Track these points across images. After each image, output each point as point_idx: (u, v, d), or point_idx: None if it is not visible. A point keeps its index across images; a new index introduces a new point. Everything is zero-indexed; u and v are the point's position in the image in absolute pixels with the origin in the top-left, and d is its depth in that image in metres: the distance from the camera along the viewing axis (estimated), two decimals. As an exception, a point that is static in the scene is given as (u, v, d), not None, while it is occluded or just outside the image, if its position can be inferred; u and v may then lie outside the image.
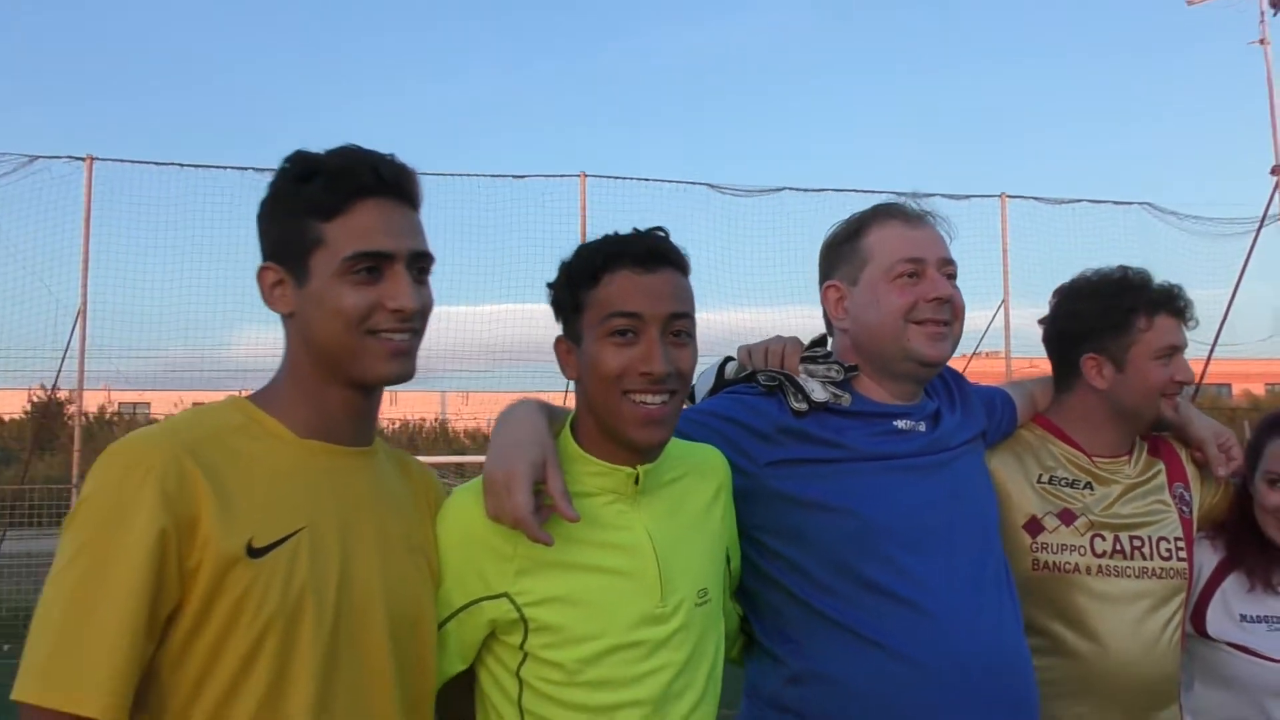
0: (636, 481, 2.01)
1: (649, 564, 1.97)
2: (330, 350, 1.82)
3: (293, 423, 1.84)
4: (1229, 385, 37.67)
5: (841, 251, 2.41)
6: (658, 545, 1.99)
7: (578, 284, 2.00)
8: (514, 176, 15.82)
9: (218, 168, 15.27)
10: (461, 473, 18.03)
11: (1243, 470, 2.65)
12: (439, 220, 15.24)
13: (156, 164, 15.05)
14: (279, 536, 1.72)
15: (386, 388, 1.92)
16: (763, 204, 18.24)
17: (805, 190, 18.51)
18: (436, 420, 37.68)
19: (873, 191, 18.29)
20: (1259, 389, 35.12)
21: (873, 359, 2.35)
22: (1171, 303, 2.54)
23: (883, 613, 2.16)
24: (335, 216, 1.80)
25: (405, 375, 1.85)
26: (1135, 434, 2.64)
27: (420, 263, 1.87)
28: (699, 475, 2.15)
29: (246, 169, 15.39)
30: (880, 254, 2.33)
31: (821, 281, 2.46)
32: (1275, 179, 18.84)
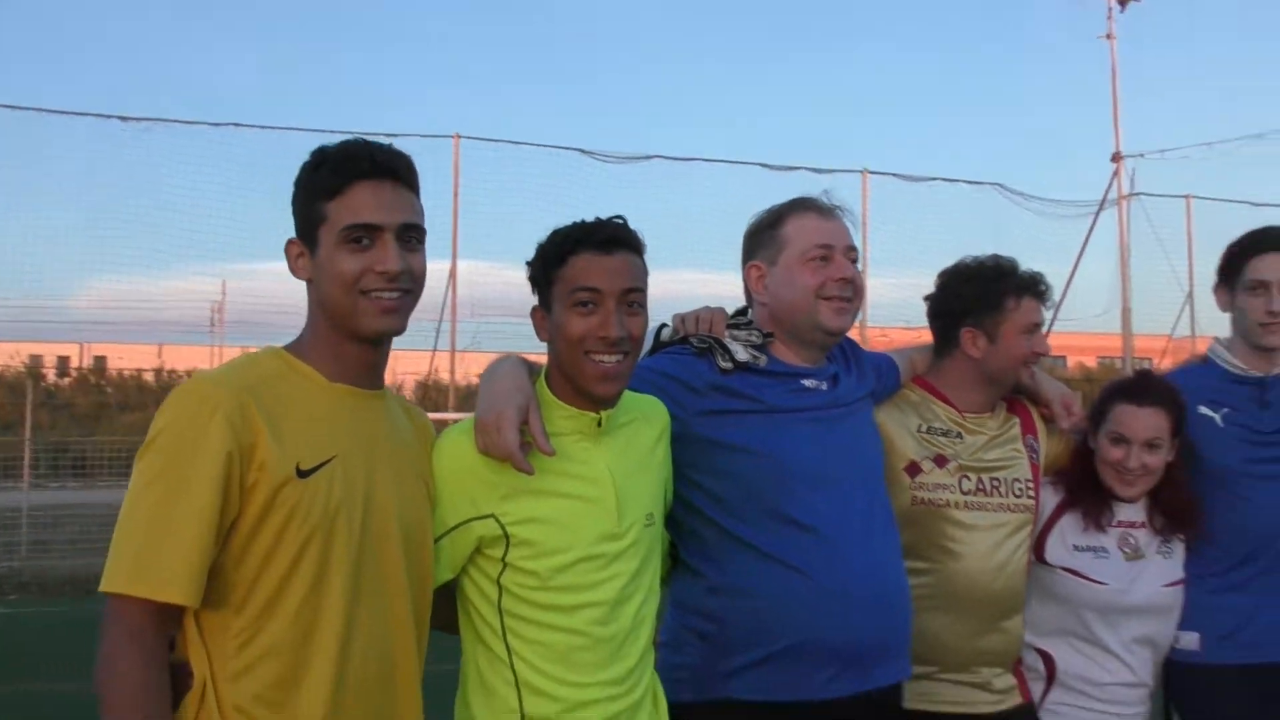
0: (599, 424, 2.38)
1: (608, 492, 2.35)
2: (335, 309, 2.14)
3: (323, 369, 2.15)
4: (1064, 357, 39.76)
5: (762, 237, 2.81)
6: (615, 476, 2.36)
7: (549, 263, 2.36)
8: (388, 135, 15.78)
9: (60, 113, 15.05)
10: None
11: (1082, 425, 3.16)
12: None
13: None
14: (319, 462, 2.03)
15: (380, 340, 2.24)
16: (633, 170, 18.70)
17: (675, 159, 19.08)
18: None
19: (739, 162, 18.96)
20: (1092, 361, 36.84)
21: (787, 328, 2.76)
22: (1035, 286, 3.01)
23: (788, 538, 2.57)
24: (336, 196, 2.11)
25: (396, 330, 2.17)
26: (999, 395, 3.12)
27: (411, 233, 2.16)
28: (645, 420, 2.52)
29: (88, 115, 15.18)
30: (796, 240, 2.73)
31: (744, 262, 2.83)
32: (1115, 166, 20.09)
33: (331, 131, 15.39)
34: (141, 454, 1.98)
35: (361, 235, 2.11)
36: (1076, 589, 3.06)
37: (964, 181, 19.75)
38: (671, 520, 2.66)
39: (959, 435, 2.97)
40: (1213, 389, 3.23)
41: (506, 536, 2.27)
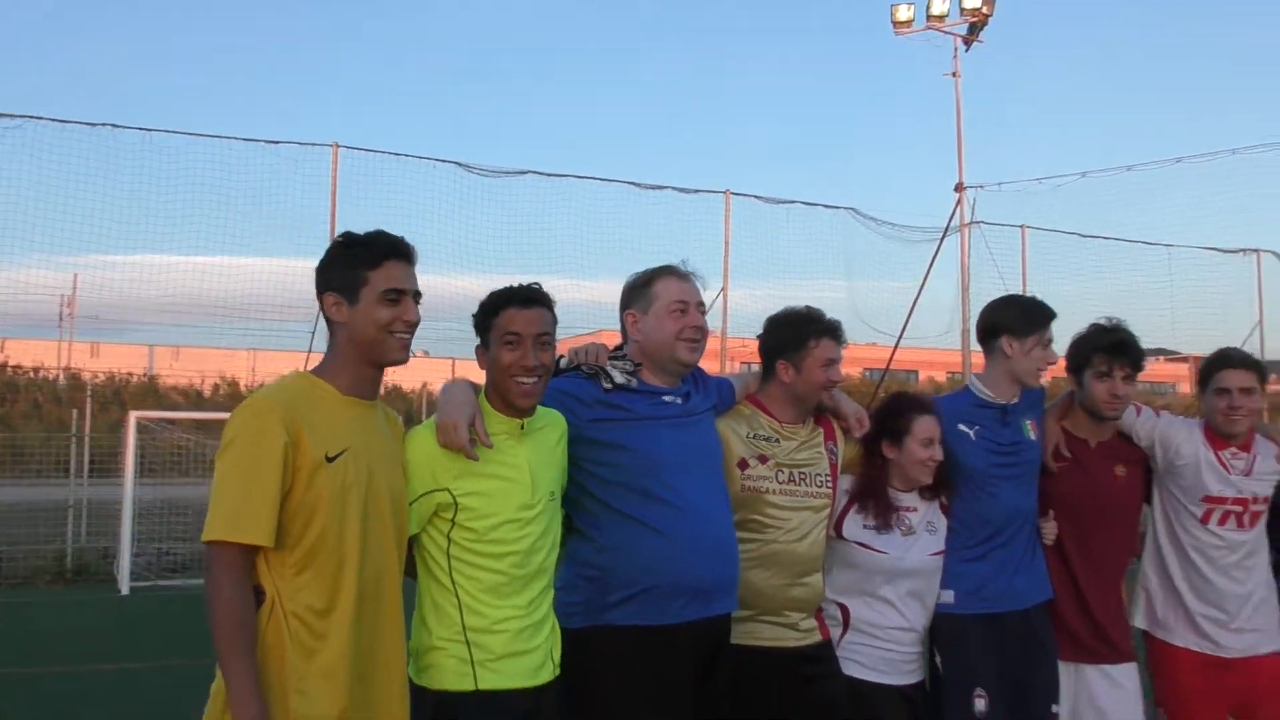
0: (522, 428, 3.33)
1: (525, 475, 3.27)
2: (368, 343, 3.01)
3: (339, 386, 3.02)
4: (916, 372, 41.70)
5: (637, 292, 3.77)
6: (530, 465, 3.29)
7: (486, 314, 3.33)
8: (267, 142, 15.69)
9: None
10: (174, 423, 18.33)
11: (868, 435, 4.18)
12: (187, 178, 15.38)
13: None
14: (338, 451, 2.89)
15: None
16: (508, 184, 19.64)
17: (547, 175, 20.08)
18: (145, 375, 36.69)
19: (609, 180, 20.01)
20: (941, 376, 38.75)
21: (653, 360, 3.72)
22: (833, 330, 4.03)
23: (653, 509, 3.51)
24: (376, 268, 3.00)
25: (406, 359, 3.06)
26: (807, 411, 4.12)
27: (418, 296, 3.08)
28: (552, 426, 3.46)
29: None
30: (662, 296, 3.70)
31: (622, 310, 3.80)
32: (958, 195, 21.72)
33: (212, 135, 15.79)
34: (223, 451, 2.84)
35: (395, 296, 3.01)
36: (866, 557, 4.09)
37: (821, 205, 21.13)
38: (568, 499, 3.60)
39: (777, 440, 3.97)
40: (968, 411, 4.28)
41: (456, 504, 3.18)
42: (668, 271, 3.77)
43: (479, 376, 3.42)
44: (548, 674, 3.24)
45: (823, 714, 3.80)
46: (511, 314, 3.28)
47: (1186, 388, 49.45)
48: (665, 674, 3.44)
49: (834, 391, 4.06)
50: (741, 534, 3.77)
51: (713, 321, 21.85)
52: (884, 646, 4.07)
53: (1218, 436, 4.28)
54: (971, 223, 21.37)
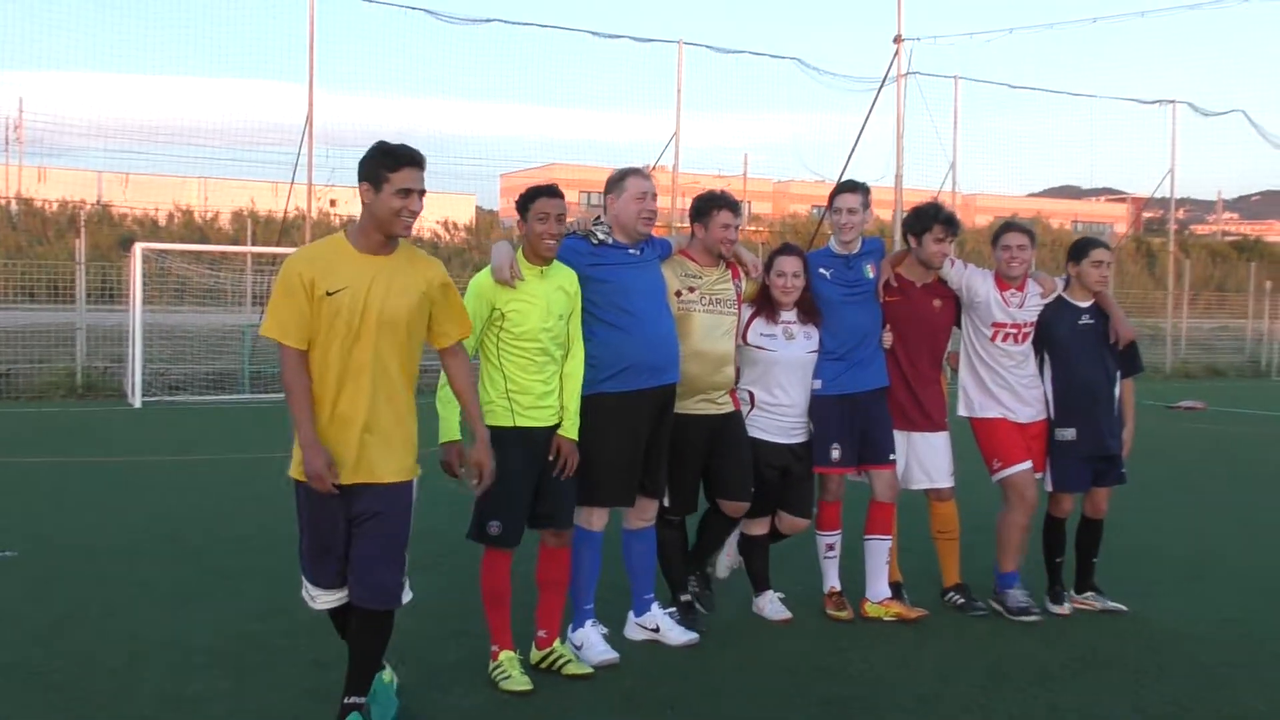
0: (543, 273, 4.90)
1: (543, 302, 4.79)
2: (382, 221, 3.98)
3: (356, 245, 4.02)
4: (857, 209, 43.27)
5: (615, 184, 5.24)
6: (546, 296, 4.82)
7: (523, 203, 4.87)
8: None
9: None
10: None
11: (761, 273, 5.94)
12: None
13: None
14: (337, 289, 3.90)
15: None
16: (474, 31, 20.94)
17: (512, 23, 21.35)
18: (96, 203, 37.14)
19: (569, 29, 21.28)
20: (886, 215, 40.46)
21: (623, 227, 5.28)
22: (731, 205, 5.57)
23: (625, 319, 5.10)
24: (396, 170, 3.95)
25: (409, 234, 4.05)
26: (717, 258, 5.68)
27: (422, 194, 4.03)
28: (563, 275, 5.01)
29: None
30: (631, 189, 5.20)
31: (605, 195, 5.31)
32: (896, 47, 23.14)
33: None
34: (277, 282, 4.02)
35: (405, 193, 3.98)
36: (764, 356, 5.88)
37: (767, 55, 22.54)
38: (582, 317, 5.28)
39: (699, 278, 5.67)
40: (825, 260, 6.04)
41: (503, 316, 4.85)
42: (634, 172, 5.39)
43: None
44: (556, 419, 5.04)
45: (731, 447, 5.67)
46: (543, 201, 4.84)
47: (1124, 228, 51.66)
48: (634, 420, 5.17)
49: (737, 247, 5.79)
50: (680, 336, 5.56)
51: (665, 160, 23.62)
52: (777, 417, 5.91)
53: (1003, 280, 6.11)
54: (908, 73, 22.89)
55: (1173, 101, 28.43)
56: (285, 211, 22.38)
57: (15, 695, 4.58)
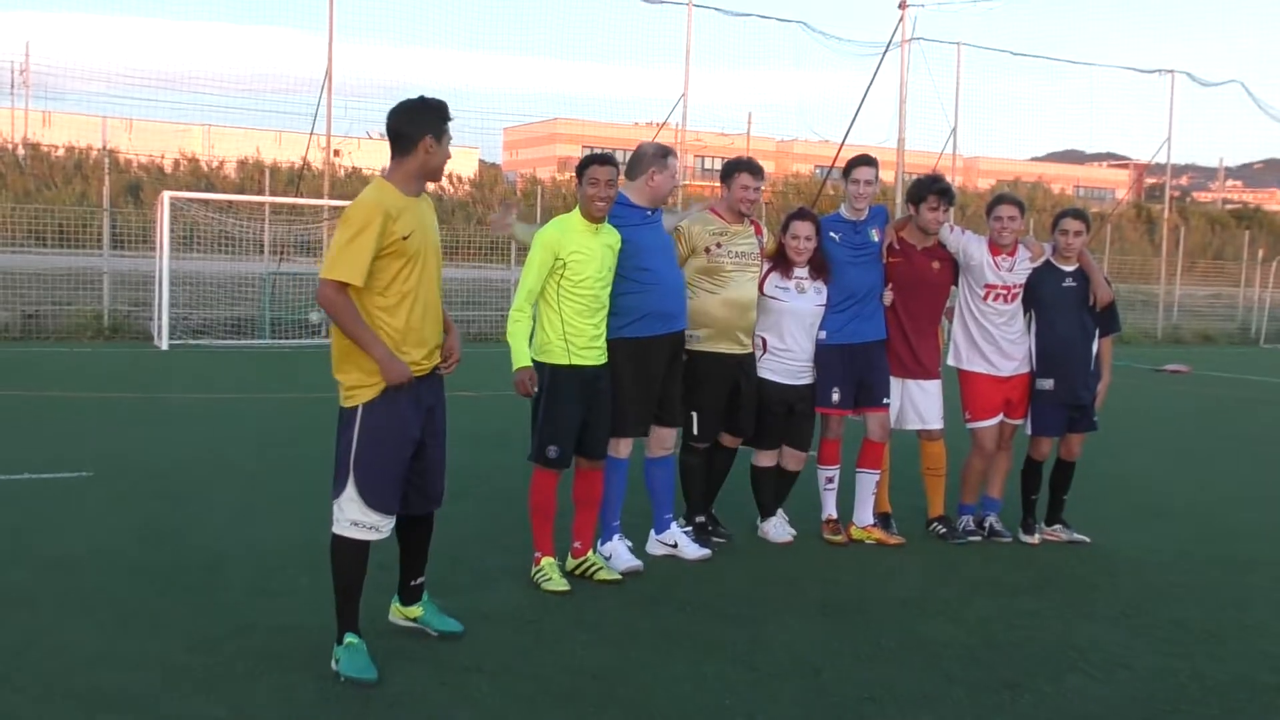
0: (596, 231, 5.52)
1: (599, 257, 5.44)
2: (435, 169, 4.45)
3: (404, 190, 4.38)
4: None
5: (659, 159, 5.78)
6: (600, 251, 5.50)
7: (581, 168, 5.52)
8: None
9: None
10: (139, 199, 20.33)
11: (779, 235, 6.62)
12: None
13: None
14: (409, 232, 4.30)
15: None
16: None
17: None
18: (103, 149, 37.45)
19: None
20: (889, 177, 41.05)
21: (654, 197, 5.85)
22: (750, 168, 6.35)
23: (643, 275, 5.76)
24: (445, 125, 4.43)
25: (440, 178, 4.68)
26: (741, 216, 6.49)
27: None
28: (611, 234, 5.67)
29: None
30: (672, 167, 5.87)
31: (647, 166, 5.77)
32: (901, 13, 23.64)
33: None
34: (342, 220, 4.30)
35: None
36: (777, 305, 6.56)
37: (774, 19, 23.05)
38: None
39: (726, 233, 6.39)
40: (835, 224, 6.72)
41: (565, 264, 5.47)
42: (674, 153, 6.08)
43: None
44: (603, 359, 5.69)
45: (747, 384, 6.39)
46: (595, 169, 5.44)
47: (1125, 193, 52.15)
48: (649, 362, 5.80)
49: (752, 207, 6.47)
50: (711, 285, 6.24)
51: (674, 119, 24.21)
52: (786, 362, 6.60)
53: (995, 246, 6.79)
54: (912, 39, 23.41)
55: (1171, 71, 28.95)
56: (305, 160, 22.93)
57: (122, 581, 5.32)
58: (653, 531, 6.24)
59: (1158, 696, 4.38)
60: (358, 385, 4.35)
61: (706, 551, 6.18)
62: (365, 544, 4.41)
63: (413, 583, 4.81)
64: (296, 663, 4.37)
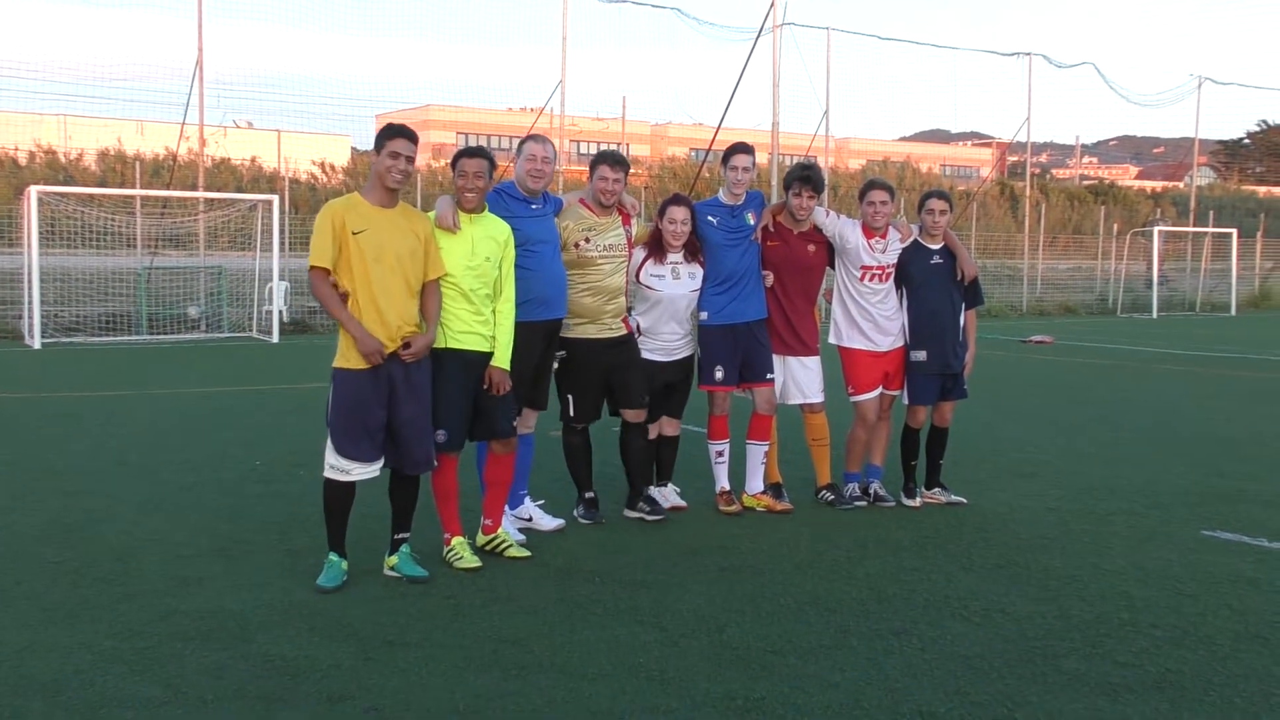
0: (471, 220, 5.82)
1: (470, 244, 5.59)
2: (379, 175, 5.25)
3: (369, 199, 5.27)
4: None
5: (518, 148, 6.20)
6: (473, 238, 5.66)
7: (453, 163, 5.83)
8: None
9: None
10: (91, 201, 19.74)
11: (640, 210, 6.89)
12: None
13: None
14: (360, 230, 5.15)
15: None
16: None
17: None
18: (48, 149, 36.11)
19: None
20: (763, 159, 41.88)
21: (519, 183, 6.19)
22: (610, 160, 6.49)
23: (530, 261, 5.89)
24: (390, 140, 5.24)
25: (398, 188, 5.31)
26: (607, 207, 6.62)
27: (409, 160, 5.30)
28: (495, 224, 5.92)
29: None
30: (524, 152, 6.11)
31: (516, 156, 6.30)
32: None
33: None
34: (317, 224, 5.23)
35: (395, 156, 5.25)
36: (653, 294, 6.85)
37: (649, 4, 23.33)
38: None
39: (595, 229, 6.60)
40: (713, 209, 7.03)
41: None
42: (533, 139, 6.25)
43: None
44: (487, 348, 5.73)
45: (626, 366, 6.65)
46: (465, 161, 5.63)
47: (989, 171, 53.97)
48: (532, 344, 6.03)
49: (621, 195, 6.70)
50: (579, 276, 6.47)
51: (552, 105, 24.38)
52: (663, 342, 6.89)
53: (869, 230, 7.20)
54: (783, 24, 23.96)
55: (1029, 54, 30.20)
56: (174, 153, 22.45)
57: (36, 577, 5.36)
58: (506, 507, 6.29)
59: (1029, 636, 4.79)
60: (340, 354, 5.26)
61: (560, 522, 6.50)
62: (342, 484, 5.33)
63: (395, 537, 5.54)
64: (223, 643, 4.52)
